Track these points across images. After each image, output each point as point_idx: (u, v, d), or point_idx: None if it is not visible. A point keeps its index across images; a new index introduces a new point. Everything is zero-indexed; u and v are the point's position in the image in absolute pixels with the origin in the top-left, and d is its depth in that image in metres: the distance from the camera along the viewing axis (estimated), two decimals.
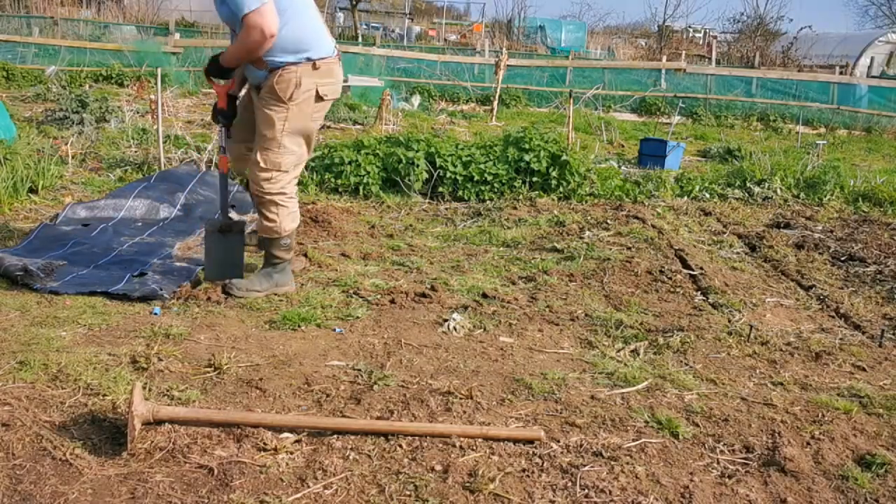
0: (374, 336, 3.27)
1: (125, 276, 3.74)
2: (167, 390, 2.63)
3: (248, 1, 3.19)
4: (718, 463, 2.41)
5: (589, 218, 5.69)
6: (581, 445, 2.43)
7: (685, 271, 4.49)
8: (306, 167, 6.29)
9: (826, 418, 2.72)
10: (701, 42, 36.38)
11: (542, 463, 2.32)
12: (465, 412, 2.60)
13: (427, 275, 4.19)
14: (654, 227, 5.48)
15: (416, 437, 2.40)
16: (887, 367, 3.30)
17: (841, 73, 19.92)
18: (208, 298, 3.55)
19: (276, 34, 3.25)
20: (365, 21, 33.39)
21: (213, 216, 4.49)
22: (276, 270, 3.69)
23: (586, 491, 2.19)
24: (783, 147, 9.98)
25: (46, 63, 12.75)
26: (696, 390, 2.91)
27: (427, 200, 6.08)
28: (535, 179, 6.34)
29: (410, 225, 5.37)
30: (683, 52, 26.61)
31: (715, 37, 32.83)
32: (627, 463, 2.34)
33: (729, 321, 3.71)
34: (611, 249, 4.84)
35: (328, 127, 9.56)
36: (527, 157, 6.30)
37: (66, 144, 6.55)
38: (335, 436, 2.39)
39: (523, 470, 2.28)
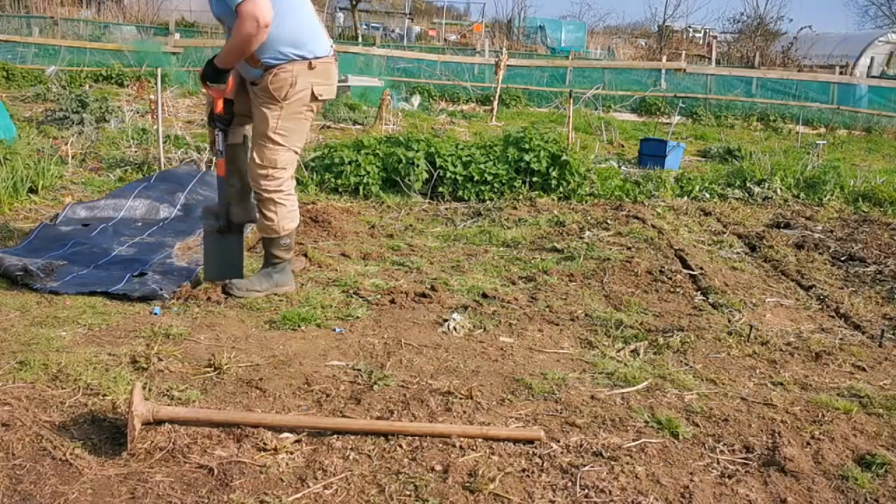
0: (374, 336, 3.27)
1: (125, 276, 3.74)
2: (167, 390, 2.63)
3: None
4: (718, 463, 2.41)
5: (589, 218, 5.69)
6: (581, 445, 2.43)
7: (685, 271, 4.49)
8: (306, 167, 6.30)
9: (826, 418, 2.72)
10: (701, 42, 36.38)
11: (542, 463, 2.32)
12: (465, 412, 2.60)
13: (427, 275, 4.19)
14: (654, 227, 5.48)
15: (416, 437, 2.40)
16: (887, 367, 3.30)
17: (841, 73, 19.92)
18: (208, 298, 3.55)
19: (271, 24, 3.19)
20: (365, 21, 33.39)
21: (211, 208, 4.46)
22: (276, 270, 3.69)
23: (586, 491, 2.19)
24: (783, 147, 9.98)
25: (46, 63, 12.75)
26: (696, 390, 2.91)
27: (427, 200, 6.08)
28: (535, 179, 6.34)
29: (410, 225, 5.37)
30: (683, 52, 26.61)
31: (715, 37, 32.83)
32: (627, 463, 2.34)
33: (729, 321, 3.71)
34: (611, 249, 4.84)
35: (328, 127, 9.56)
36: (527, 157, 6.30)
37: (66, 144, 6.55)
38: (335, 436, 2.39)
39: (523, 470, 2.28)
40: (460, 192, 6.17)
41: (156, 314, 3.37)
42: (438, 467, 2.27)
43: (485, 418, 2.57)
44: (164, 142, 6.47)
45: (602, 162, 7.94)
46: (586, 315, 3.69)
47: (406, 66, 15.56)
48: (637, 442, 2.47)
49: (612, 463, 2.34)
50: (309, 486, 2.15)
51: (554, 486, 2.21)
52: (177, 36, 15.82)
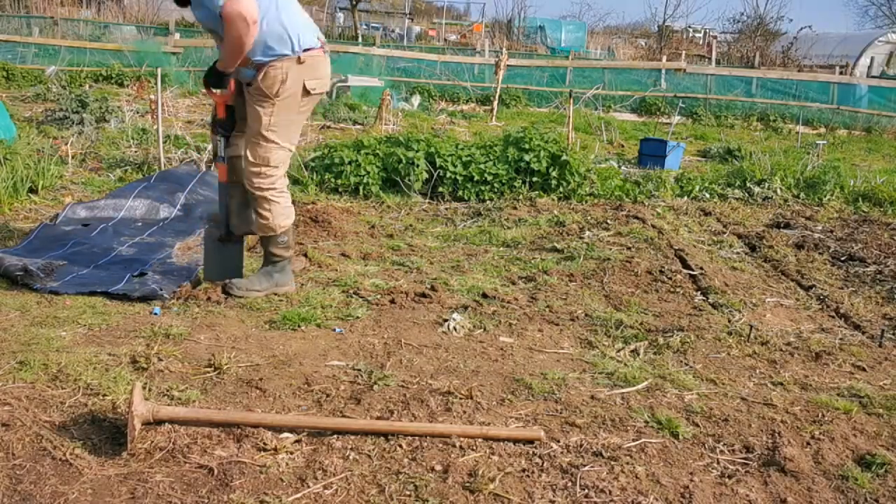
0: (374, 336, 3.27)
1: (125, 276, 3.74)
2: (167, 390, 2.63)
3: None
4: (718, 463, 2.41)
5: (589, 218, 5.69)
6: (581, 445, 2.43)
7: (685, 271, 4.49)
8: (306, 167, 6.30)
9: (826, 418, 2.72)
10: (701, 42, 36.37)
11: (542, 463, 2.32)
12: (465, 412, 2.60)
13: (427, 275, 4.19)
14: (654, 227, 5.48)
15: (416, 437, 2.40)
16: (887, 367, 3.30)
17: (841, 73, 19.92)
18: (208, 298, 3.55)
19: (258, 19, 3.19)
20: (365, 21, 33.39)
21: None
22: (276, 270, 3.69)
23: (586, 491, 2.19)
24: (783, 147, 9.98)
25: (46, 63, 12.75)
26: (696, 390, 2.91)
27: (427, 200, 6.08)
28: (535, 179, 6.34)
29: (410, 225, 5.37)
30: (683, 52, 26.60)
31: (715, 37, 32.82)
32: (627, 463, 2.34)
33: (729, 321, 3.71)
34: (611, 249, 4.84)
35: (328, 127, 9.56)
36: (527, 157, 6.30)
37: (66, 144, 6.55)
38: (335, 436, 2.39)
39: (523, 470, 2.28)
40: (460, 192, 6.17)
41: (156, 314, 3.37)
42: (438, 467, 2.27)
43: (485, 418, 2.57)
44: (164, 142, 6.47)
45: (602, 162, 7.94)
46: (586, 315, 3.69)
47: (406, 66, 15.57)
48: (637, 442, 2.47)
49: (612, 463, 2.34)
50: (309, 486, 2.15)
51: (554, 486, 2.21)
52: (177, 36, 15.82)
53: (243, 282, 3.67)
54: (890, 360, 3.38)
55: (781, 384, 3.03)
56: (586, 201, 6.31)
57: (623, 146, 10.02)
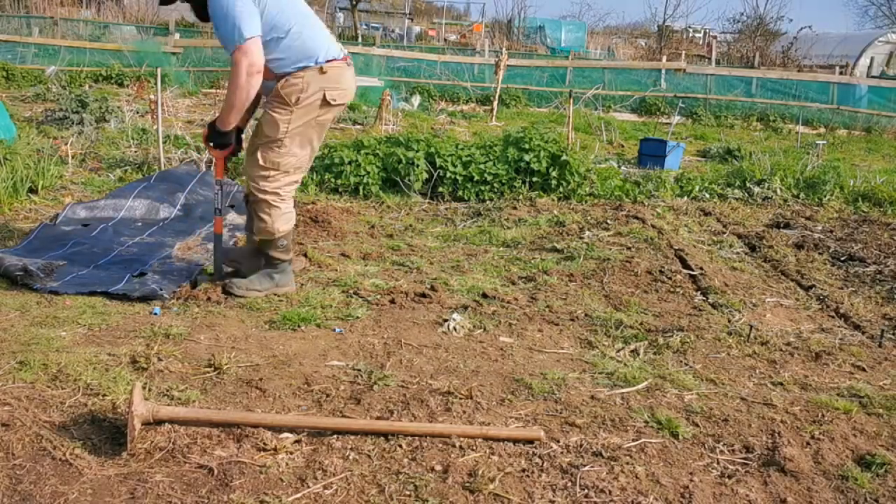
0: (374, 336, 3.27)
1: (125, 276, 3.74)
2: (167, 390, 2.63)
3: (234, 36, 3.22)
4: (718, 463, 2.41)
5: (589, 218, 5.70)
6: (581, 445, 2.43)
7: (685, 271, 4.49)
8: None
9: (826, 418, 2.72)
10: (701, 42, 36.37)
11: (542, 463, 2.32)
12: (465, 412, 2.60)
13: (427, 275, 4.19)
14: (653, 227, 5.48)
15: (416, 437, 2.40)
16: (887, 367, 3.30)
17: (841, 73, 19.91)
18: (208, 298, 3.55)
19: (262, 70, 3.28)
20: (365, 21, 33.39)
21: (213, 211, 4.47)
22: (277, 271, 3.69)
23: (586, 491, 2.19)
24: (783, 147, 9.98)
25: (46, 63, 12.74)
26: (696, 390, 2.91)
27: (427, 200, 6.08)
28: (535, 179, 6.34)
29: (410, 225, 5.37)
30: (683, 52, 26.60)
31: (715, 37, 32.83)
32: (627, 463, 2.34)
33: (729, 321, 3.71)
34: (611, 249, 4.84)
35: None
36: (527, 157, 6.30)
37: (66, 144, 6.55)
38: (335, 436, 2.39)
39: (523, 470, 2.29)
40: (460, 192, 6.17)
41: (156, 314, 3.37)
42: (438, 467, 2.27)
43: (485, 418, 2.57)
44: (164, 142, 6.47)
45: (602, 162, 7.94)
46: (586, 315, 3.69)
47: (406, 66, 15.56)
48: (637, 442, 2.47)
49: (612, 463, 2.34)
50: (309, 486, 2.15)
51: (554, 486, 2.21)
52: (177, 36, 15.82)
53: (243, 282, 3.67)
54: (890, 360, 3.38)
55: (781, 384, 3.03)
56: (586, 201, 6.31)
57: (623, 146, 10.02)
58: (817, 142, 10.63)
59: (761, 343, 3.45)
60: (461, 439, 2.40)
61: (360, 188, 6.08)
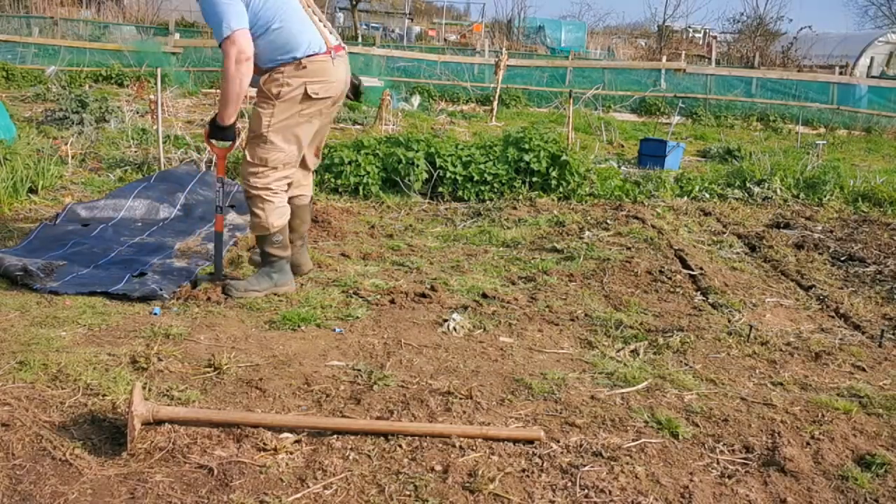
0: (374, 336, 3.27)
1: (125, 276, 3.74)
2: (167, 390, 2.63)
3: (222, 28, 3.29)
4: (718, 463, 2.41)
5: (589, 218, 5.70)
6: (581, 445, 2.43)
7: (685, 271, 4.49)
8: None
9: (826, 418, 2.72)
10: (701, 42, 36.37)
11: (542, 463, 2.32)
12: (465, 412, 2.60)
13: (427, 275, 4.19)
14: (653, 227, 5.48)
15: (416, 437, 2.40)
16: (887, 367, 3.30)
17: (841, 73, 19.91)
18: (208, 298, 3.55)
19: (252, 57, 3.34)
20: (365, 21, 33.39)
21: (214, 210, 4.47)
22: (275, 270, 3.69)
23: (586, 491, 2.19)
24: (783, 147, 9.98)
25: (46, 63, 12.75)
26: (696, 390, 2.91)
27: (427, 200, 6.08)
28: (534, 179, 6.34)
29: (410, 225, 5.37)
30: (683, 52, 26.59)
31: (715, 37, 32.82)
32: (627, 463, 2.34)
33: (729, 321, 3.71)
34: (611, 249, 4.84)
35: None
36: (527, 157, 6.30)
37: (66, 144, 6.55)
38: (335, 436, 2.39)
39: (523, 470, 2.28)
40: (460, 192, 6.17)
41: (156, 314, 3.37)
42: (438, 467, 2.27)
43: (485, 418, 2.57)
44: (164, 142, 6.47)
45: (602, 162, 7.94)
46: (586, 315, 3.69)
47: (406, 66, 15.57)
48: (637, 442, 2.47)
49: (612, 463, 2.34)
50: (309, 486, 2.15)
51: (554, 486, 2.21)
52: (177, 36, 15.83)
53: (242, 282, 3.67)
54: (890, 360, 3.38)
55: (781, 384, 3.03)
56: (586, 201, 6.31)
57: (623, 146, 10.02)
58: (817, 142, 10.63)
59: (761, 343, 3.45)
60: (461, 439, 2.40)
61: (360, 188, 6.08)
